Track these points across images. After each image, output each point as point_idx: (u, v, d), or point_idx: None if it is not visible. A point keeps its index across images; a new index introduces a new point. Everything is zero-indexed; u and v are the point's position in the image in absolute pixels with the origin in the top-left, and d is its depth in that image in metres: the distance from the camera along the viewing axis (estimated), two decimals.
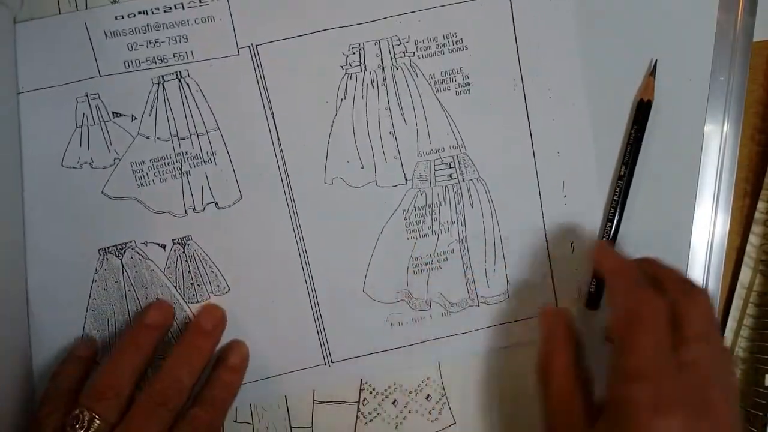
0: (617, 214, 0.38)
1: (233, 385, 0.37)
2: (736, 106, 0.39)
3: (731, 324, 0.41)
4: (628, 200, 0.38)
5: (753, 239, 0.40)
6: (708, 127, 0.39)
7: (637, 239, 0.39)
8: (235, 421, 0.40)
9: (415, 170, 0.38)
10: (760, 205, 0.40)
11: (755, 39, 0.39)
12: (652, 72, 0.38)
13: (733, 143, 0.39)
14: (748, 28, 0.38)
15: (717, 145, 0.39)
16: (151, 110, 0.36)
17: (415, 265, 0.39)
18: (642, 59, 0.38)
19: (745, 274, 0.41)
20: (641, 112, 0.38)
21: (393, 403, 0.40)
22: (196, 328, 0.37)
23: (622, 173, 0.38)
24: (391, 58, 0.37)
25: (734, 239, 0.41)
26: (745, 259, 0.40)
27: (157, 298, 0.38)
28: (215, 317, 0.38)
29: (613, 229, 0.38)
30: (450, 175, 0.38)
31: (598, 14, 0.38)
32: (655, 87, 0.38)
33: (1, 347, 0.35)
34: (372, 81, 0.37)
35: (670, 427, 0.27)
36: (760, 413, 0.39)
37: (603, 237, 0.39)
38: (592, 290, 0.39)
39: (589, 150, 0.38)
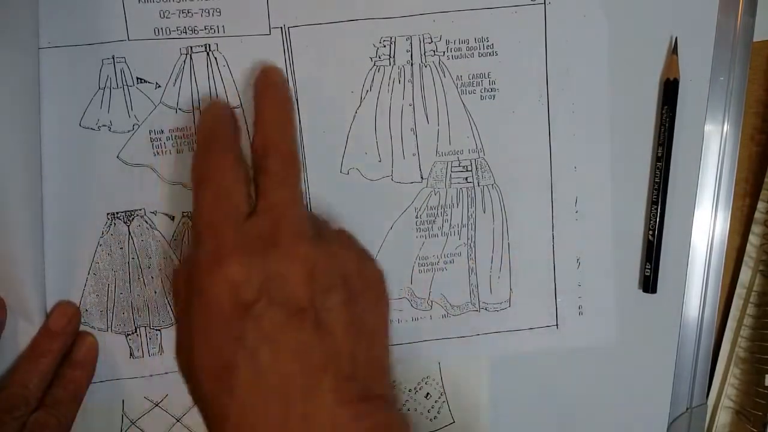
0: (660, 195, 0.38)
1: (79, 382, 0.36)
2: (736, 106, 0.39)
3: (731, 324, 0.41)
4: (629, 201, 0.38)
5: (753, 239, 0.41)
6: (708, 127, 0.39)
7: (636, 239, 0.39)
8: None
9: (431, 170, 0.38)
10: (760, 205, 0.40)
11: (755, 39, 0.39)
12: (674, 50, 0.37)
13: (733, 143, 0.39)
14: (748, 28, 0.39)
15: (717, 145, 0.39)
16: (176, 80, 0.36)
17: (421, 264, 0.39)
18: (643, 58, 0.38)
19: (745, 274, 0.41)
20: (669, 91, 0.37)
21: None
22: (43, 330, 0.36)
23: (660, 154, 0.38)
24: (421, 55, 0.37)
25: (734, 239, 0.41)
26: (745, 259, 0.41)
27: (66, 301, 0.37)
28: (65, 316, 0.36)
29: (658, 212, 0.38)
30: (466, 179, 0.38)
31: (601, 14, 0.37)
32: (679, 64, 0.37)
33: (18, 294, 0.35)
34: (399, 76, 0.37)
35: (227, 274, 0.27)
36: (760, 413, 0.39)
37: (649, 221, 0.39)
38: (648, 274, 0.39)
39: (606, 169, 0.39)
